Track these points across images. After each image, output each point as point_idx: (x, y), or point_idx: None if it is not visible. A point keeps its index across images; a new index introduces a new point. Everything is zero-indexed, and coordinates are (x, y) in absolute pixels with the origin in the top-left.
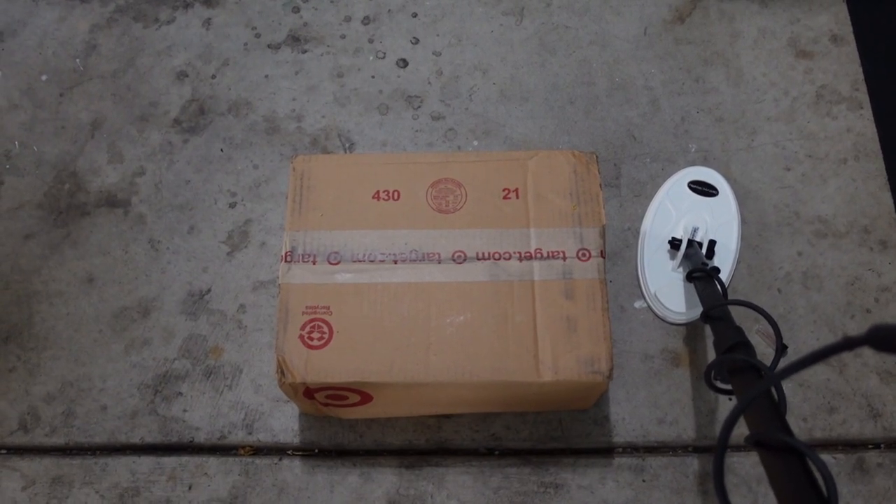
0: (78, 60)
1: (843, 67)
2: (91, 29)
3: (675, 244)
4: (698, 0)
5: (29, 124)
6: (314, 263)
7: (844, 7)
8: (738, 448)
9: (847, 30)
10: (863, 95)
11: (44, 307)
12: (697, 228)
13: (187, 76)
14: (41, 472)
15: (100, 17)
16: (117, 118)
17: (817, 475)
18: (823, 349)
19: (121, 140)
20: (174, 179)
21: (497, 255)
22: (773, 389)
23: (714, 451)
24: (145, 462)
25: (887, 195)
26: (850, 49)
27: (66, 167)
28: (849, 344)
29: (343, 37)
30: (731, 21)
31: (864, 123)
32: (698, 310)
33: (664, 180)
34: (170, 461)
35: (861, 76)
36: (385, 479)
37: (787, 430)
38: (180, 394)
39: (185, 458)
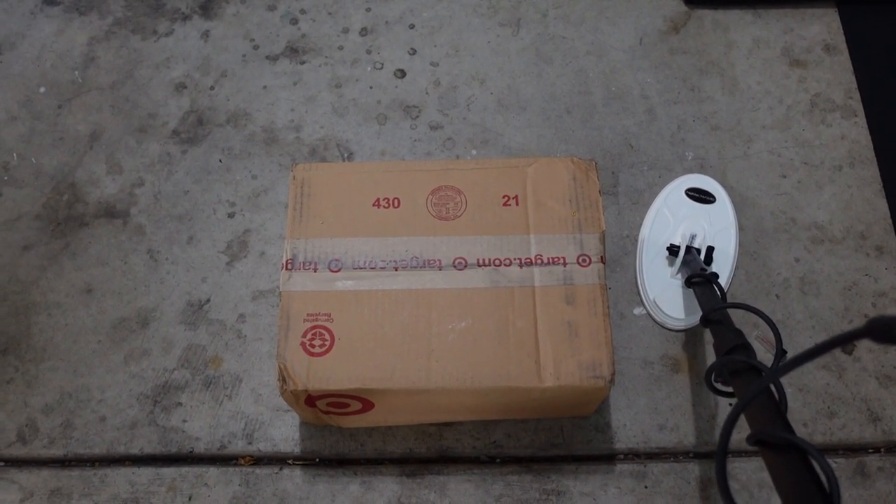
0: (76, 72)
1: (837, 76)
2: (89, 41)
3: (673, 251)
4: (693, 10)
5: (27, 136)
6: (315, 271)
7: (837, 17)
8: (739, 453)
9: (840, 39)
10: (856, 103)
11: (42, 318)
12: (695, 235)
13: (186, 88)
14: (39, 485)
15: (98, 29)
16: (116, 129)
17: (819, 472)
18: (824, 343)
19: (119, 151)
20: (173, 190)
21: (498, 262)
22: (774, 388)
23: (715, 452)
24: (144, 473)
25: (882, 201)
26: (843, 58)
27: (65, 178)
28: (849, 337)
29: (341, 48)
30: (726, 31)
31: (858, 131)
32: (697, 316)
33: (661, 188)
34: (169, 472)
35: (854, 84)
36: (386, 488)
37: (788, 427)
38: (180, 404)
39: (184, 469)
